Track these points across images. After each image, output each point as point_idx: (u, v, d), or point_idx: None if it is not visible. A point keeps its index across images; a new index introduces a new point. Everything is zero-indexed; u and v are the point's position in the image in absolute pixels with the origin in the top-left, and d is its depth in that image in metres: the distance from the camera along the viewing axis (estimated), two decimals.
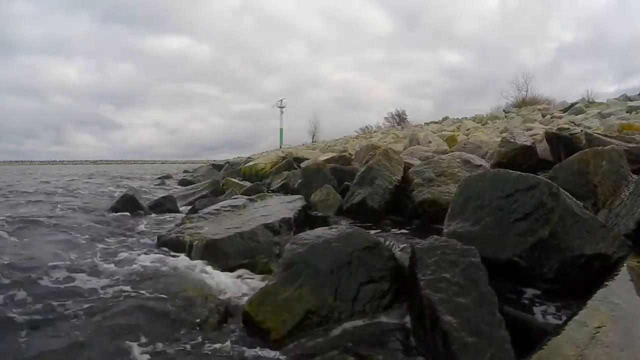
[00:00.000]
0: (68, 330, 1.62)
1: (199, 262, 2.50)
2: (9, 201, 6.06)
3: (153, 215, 4.83)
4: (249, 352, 1.55)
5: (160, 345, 1.54)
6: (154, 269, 2.40)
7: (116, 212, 4.78)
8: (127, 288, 2.07)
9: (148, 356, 1.47)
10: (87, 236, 3.39)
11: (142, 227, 4.03)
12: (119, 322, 1.68)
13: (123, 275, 2.29)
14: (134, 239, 3.44)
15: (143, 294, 2.00)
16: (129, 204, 5.03)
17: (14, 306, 1.79)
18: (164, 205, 5.26)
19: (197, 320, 1.77)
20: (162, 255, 2.68)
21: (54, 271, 2.26)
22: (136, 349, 1.50)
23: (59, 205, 5.37)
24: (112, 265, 2.50)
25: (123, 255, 2.76)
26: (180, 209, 5.34)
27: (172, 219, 4.56)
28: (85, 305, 1.83)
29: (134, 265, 2.45)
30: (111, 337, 1.57)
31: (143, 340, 1.56)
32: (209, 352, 1.54)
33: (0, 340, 1.53)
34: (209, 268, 2.42)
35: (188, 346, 1.57)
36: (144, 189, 9.59)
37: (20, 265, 2.31)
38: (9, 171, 23.02)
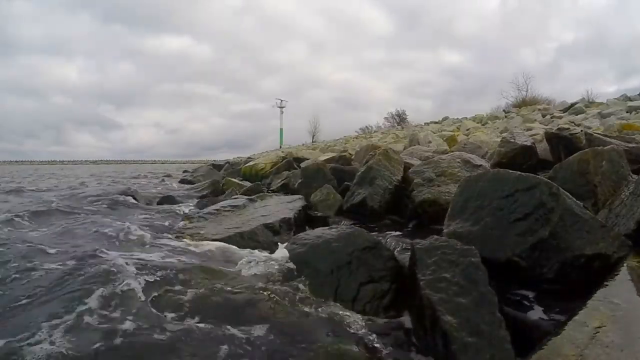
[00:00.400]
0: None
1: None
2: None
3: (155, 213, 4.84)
4: None
5: None
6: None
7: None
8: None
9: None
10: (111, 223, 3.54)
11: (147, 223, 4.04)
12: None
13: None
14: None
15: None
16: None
17: (80, 273, 1.93)
18: (163, 205, 5.27)
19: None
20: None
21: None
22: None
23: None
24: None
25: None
26: (180, 207, 5.35)
27: (175, 217, 4.57)
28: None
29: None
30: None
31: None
32: None
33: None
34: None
35: None
36: (151, 185, 9.73)
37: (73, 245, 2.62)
38: (13, 172, 23.16)
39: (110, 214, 4.47)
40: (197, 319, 1.60)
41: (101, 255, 2.16)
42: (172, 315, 1.63)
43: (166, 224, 3.79)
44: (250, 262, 2.13)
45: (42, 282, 1.88)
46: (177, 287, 1.84)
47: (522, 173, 1.86)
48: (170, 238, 2.94)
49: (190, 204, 5.22)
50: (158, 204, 5.20)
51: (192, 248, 2.63)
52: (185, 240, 2.85)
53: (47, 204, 5.15)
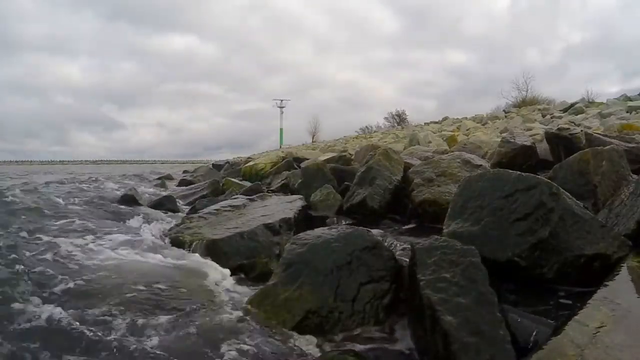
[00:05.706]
0: None
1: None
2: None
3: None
4: None
5: None
6: None
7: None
8: None
9: None
10: None
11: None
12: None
13: None
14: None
15: None
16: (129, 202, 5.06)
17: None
18: (163, 205, 5.27)
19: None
20: None
21: None
22: None
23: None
24: None
25: None
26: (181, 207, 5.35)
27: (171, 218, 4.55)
28: None
29: None
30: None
31: None
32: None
33: None
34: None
35: None
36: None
37: None
38: (17, 171, 23.13)
39: None
40: None
41: None
42: None
43: None
44: None
45: None
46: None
47: (522, 173, 1.86)
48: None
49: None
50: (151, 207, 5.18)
51: None
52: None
53: None
